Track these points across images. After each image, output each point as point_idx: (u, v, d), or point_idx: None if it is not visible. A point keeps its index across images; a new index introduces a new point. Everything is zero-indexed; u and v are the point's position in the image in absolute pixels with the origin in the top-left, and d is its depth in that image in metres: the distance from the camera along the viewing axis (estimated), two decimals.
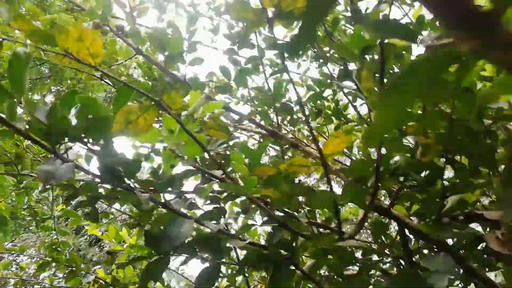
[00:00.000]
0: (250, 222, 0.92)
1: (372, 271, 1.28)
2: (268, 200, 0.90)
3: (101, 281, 1.71)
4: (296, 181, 0.87)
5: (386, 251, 1.21)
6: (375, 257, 1.21)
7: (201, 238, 0.88)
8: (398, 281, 0.97)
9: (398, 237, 1.15)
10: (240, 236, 0.90)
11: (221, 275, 1.11)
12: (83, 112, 0.70)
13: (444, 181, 0.79)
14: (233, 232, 0.98)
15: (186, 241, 0.88)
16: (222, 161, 1.01)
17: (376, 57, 0.89)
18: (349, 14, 1.56)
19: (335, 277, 1.13)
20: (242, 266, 0.94)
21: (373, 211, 1.16)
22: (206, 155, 0.96)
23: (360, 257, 1.19)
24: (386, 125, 0.28)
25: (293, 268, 1.02)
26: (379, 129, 0.28)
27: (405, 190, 0.87)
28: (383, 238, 1.29)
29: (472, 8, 0.23)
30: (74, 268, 1.73)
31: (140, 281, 0.82)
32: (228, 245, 0.91)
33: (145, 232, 0.84)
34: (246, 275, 1.29)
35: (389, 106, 0.27)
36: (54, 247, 1.83)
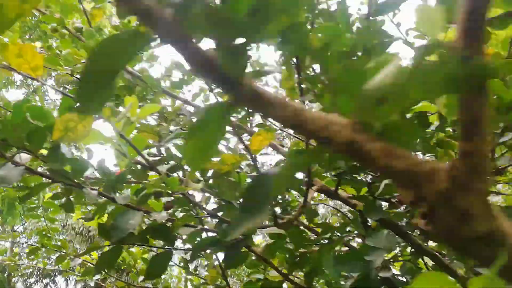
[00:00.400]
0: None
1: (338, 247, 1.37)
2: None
3: (89, 264, 1.82)
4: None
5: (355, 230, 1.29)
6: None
7: (153, 227, 0.96)
8: (341, 258, 1.06)
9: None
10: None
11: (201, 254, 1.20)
12: (25, 122, 0.77)
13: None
14: None
15: (140, 231, 0.97)
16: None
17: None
18: None
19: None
20: (197, 250, 1.03)
21: (324, 194, 1.24)
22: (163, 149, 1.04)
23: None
24: (195, 160, 0.35)
25: (246, 250, 1.10)
26: (191, 164, 0.35)
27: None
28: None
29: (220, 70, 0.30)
30: (62, 252, 1.84)
31: (95, 270, 0.91)
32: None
33: (99, 224, 0.93)
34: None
35: (191, 149, 0.34)
36: (44, 233, 1.94)
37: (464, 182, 0.29)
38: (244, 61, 0.28)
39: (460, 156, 0.29)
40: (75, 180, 0.86)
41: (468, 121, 0.28)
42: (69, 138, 0.79)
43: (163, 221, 0.92)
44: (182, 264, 1.76)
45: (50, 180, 0.89)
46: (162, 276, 1.98)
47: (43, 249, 1.90)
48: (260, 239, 2.04)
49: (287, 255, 1.19)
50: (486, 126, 0.28)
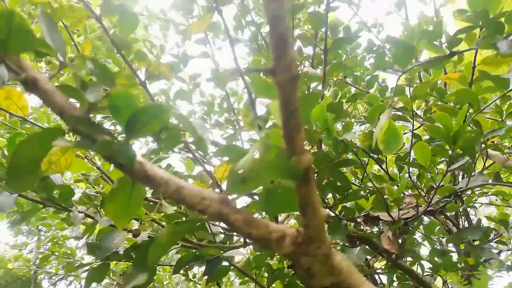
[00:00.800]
0: None
1: None
2: None
3: None
4: None
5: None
6: None
7: (137, 245, 1.05)
8: None
9: None
10: None
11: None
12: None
13: None
14: None
15: (124, 249, 1.06)
16: None
17: None
18: None
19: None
20: (179, 265, 1.11)
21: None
22: None
23: None
24: (116, 220, 0.44)
25: (227, 264, 1.18)
26: (114, 222, 0.44)
27: None
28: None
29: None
30: (71, 259, 1.96)
31: (85, 285, 1.00)
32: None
33: (87, 243, 1.02)
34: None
35: (110, 211, 0.42)
36: (55, 240, 2.07)
37: (303, 248, 0.36)
38: (130, 155, 0.36)
39: (301, 227, 0.36)
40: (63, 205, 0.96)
41: (301, 201, 0.35)
42: (53, 171, 0.88)
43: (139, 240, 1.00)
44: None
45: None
46: (165, 282, 2.08)
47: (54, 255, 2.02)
48: None
49: (266, 269, 1.26)
50: (317, 205, 0.35)
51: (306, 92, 1.08)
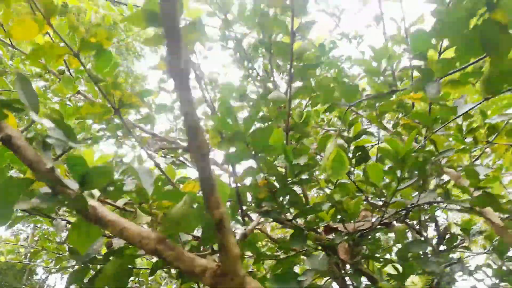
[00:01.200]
0: None
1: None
2: None
3: None
4: None
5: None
6: None
7: (114, 250, 1.14)
8: (279, 277, 1.22)
9: None
10: None
11: None
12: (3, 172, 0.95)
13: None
14: None
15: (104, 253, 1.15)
16: None
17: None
18: None
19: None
20: (154, 269, 1.21)
21: (277, 222, 1.40)
22: None
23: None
24: (79, 246, 0.53)
25: None
26: (76, 246, 0.53)
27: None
28: None
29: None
30: (60, 255, 2.05)
31: (66, 284, 1.10)
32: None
33: (69, 248, 1.12)
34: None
35: (74, 238, 0.52)
36: (45, 236, 2.16)
37: (220, 280, 0.45)
38: (83, 204, 0.45)
39: (219, 263, 0.46)
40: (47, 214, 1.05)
41: (218, 243, 0.44)
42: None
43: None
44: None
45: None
46: (150, 278, 2.18)
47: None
48: None
49: None
50: (230, 246, 0.44)
51: (277, 112, 1.17)
